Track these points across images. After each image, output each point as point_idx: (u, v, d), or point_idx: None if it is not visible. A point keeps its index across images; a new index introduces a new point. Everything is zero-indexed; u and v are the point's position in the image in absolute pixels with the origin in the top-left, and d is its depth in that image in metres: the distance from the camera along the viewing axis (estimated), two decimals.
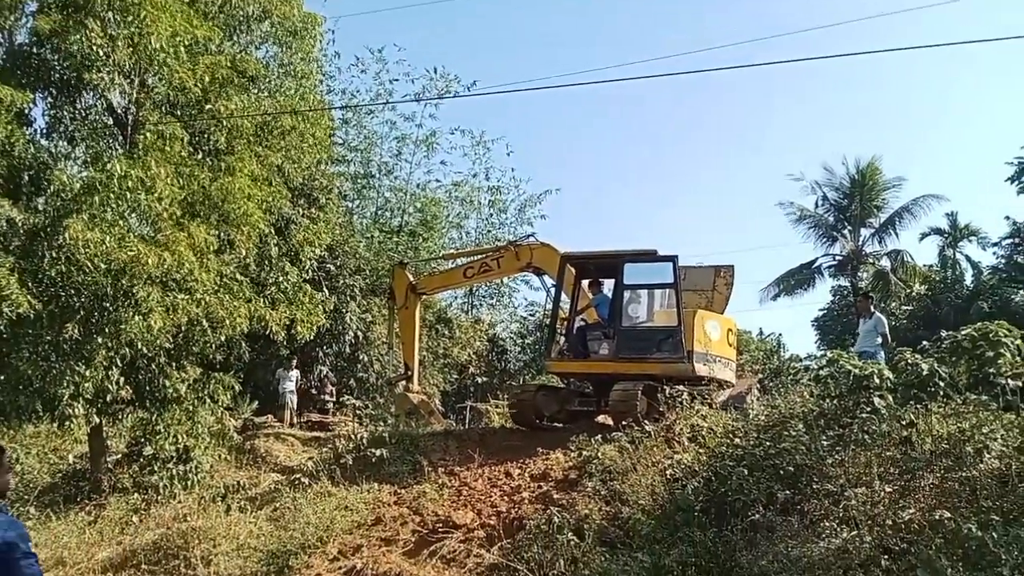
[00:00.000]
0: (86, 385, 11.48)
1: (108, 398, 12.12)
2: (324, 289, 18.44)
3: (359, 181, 25.79)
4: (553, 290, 14.75)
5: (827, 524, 8.15)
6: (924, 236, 34.25)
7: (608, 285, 14.36)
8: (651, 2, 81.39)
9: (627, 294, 13.82)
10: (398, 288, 16.49)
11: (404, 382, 16.44)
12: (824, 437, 9.18)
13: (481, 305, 28.97)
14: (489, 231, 28.26)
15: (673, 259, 13.24)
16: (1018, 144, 36.86)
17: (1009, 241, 29.90)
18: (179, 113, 13.04)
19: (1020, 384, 9.26)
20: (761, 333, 34.94)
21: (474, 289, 28.67)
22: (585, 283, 14.53)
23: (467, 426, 17.65)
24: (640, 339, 13.57)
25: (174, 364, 12.96)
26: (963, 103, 73.10)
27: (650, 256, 13.52)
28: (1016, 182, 33.68)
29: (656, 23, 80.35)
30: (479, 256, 16.74)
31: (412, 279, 16.56)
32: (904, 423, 9.10)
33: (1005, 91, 71.96)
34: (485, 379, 24.95)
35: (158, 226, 11.88)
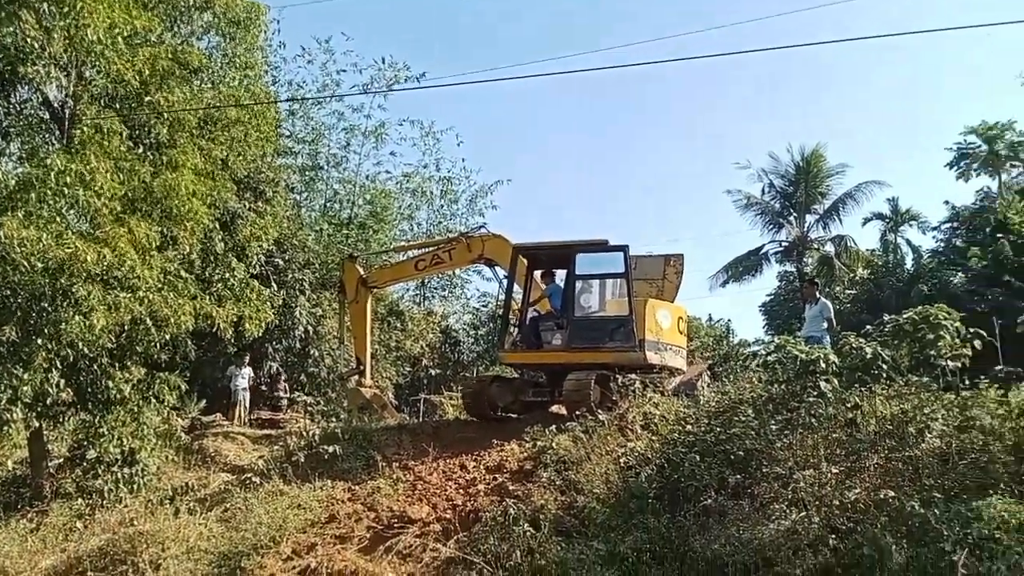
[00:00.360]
0: (25, 388, 11.10)
1: (48, 401, 11.74)
2: (272, 284, 18.12)
3: (307, 173, 25.34)
4: (506, 281, 14.73)
5: (777, 506, 8.34)
6: (867, 221, 35.20)
7: (560, 275, 14.40)
8: None
9: (579, 284, 13.86)
10: (348, 282, 16.22)
11: (356, 376, 16.21)
12: (773, 421, 9.38)
13: (433, 297, 28.82)
14: (440, 222, 28.09)
15: (624, 248, 13.32)
16: (957, 130, 37.99)
17: (948, 225, 30.82)
18: (118, 106, 12.66)
19: (959, 365, 9.59)
20: (711, 319, 35.57)
21: (426, 281, 28.47)
22: (537, 274, 14.54)
23: (421, 419, 17.55)
24: (592, 329, 13.62)
25: (117, 364, 12.60)
26: (903, 90, 74.99)
27: (601, 246, 13.59)
28: (955, 167, 34.79)
29: (611, 13, 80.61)
30: (430, 248, 16.60)
31: (362, 272, 16.27)
32: (849, 406, 9.38)
33: (944, 77, 74.00)
34: (438, 371, 24.83)
35: (97, 222, 11.53)
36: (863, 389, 9.50)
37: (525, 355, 14.15)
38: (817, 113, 73.90)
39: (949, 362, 9.73)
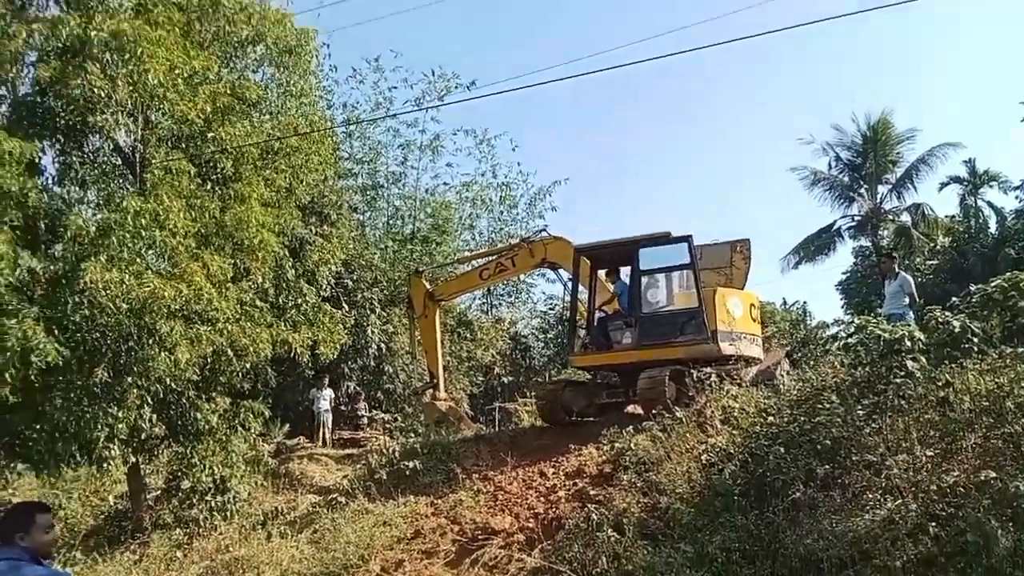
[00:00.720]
0: (120, 426, 11.60)
1: (142, 436, 12.27)
2: (343, 305, 18.47)
3: (368, 193, 25.72)
4: (570, 284, 14.67)
5: (870, 496, 8.01)
6: (943, 186, 33.54)
7: (625, 273, 14.25)
8: None
9: (644, 280, 13.68)
10: (416, 297, 16.40)
11: (431, 391, 16.29)
12: (859, 407, 9.03)
13: (500, 304, 28.84)
14: (502, 228, 28.10)
15: (688, 239, 13.08)
16: None
17: None
18: (184, 145, 13.11)
19: None
20: (785, 303, 34.52)
21: (492, 289, 28.54)
22: (602, 274, 14.42)
23: (497, 428, 17.60)
24: (662, 324, 13.39)
25: (203, 396, 13.07)
26: (968, 47, 71.77)
27: (664, 239, 13.34)
28: None
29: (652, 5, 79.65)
30: (493, 256, 16.68)
31: (429, 286, 16.43)
32: (940, 384, 8.92)
33: (1011, 31, 70.51)
34: (511, 378, 24.86)
35: (174, 260, 11.94)
36: (954, 365, 9.06)
37: (596, 357, 14.02)
38: (877, 80, 71.22)
39: None
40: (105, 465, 11.96)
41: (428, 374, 16.64)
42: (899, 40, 79.79)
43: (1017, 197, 30.78)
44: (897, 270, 13.64)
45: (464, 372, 23.07)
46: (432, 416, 15.58)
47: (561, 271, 15.20)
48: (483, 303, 28.44)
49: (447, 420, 15.35)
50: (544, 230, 16.53)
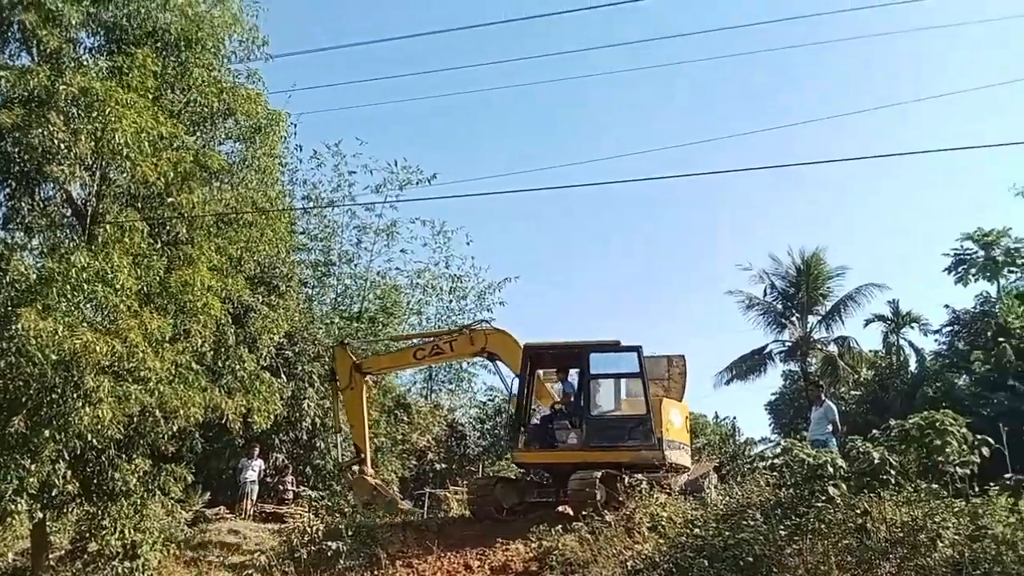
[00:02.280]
0: (31, 480, 11.02)
1: (53, 492, 11.66)
2: (282, 375, 18.18)
3: (319, 268, 25.70)
4: (510, 378, 14.81)
5: None
6: (868, 322, 35.37)
7: (572, 375, 14.53)
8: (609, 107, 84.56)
9: (592, 384, 13.99)
10: (341, 368, 16.08)
11: (357, 466, 15.85)
12: (782, 527, 9.31)
13: (440, 390, 28.74)
14: (450, 317, 28.26)
15: (638, 349, 13.61)
16: (953, 236, 38.64)
17: (949, 328, 30.99)
18: (140, 205, 13.02)
19: (968, 472, 9.58)
20: (716, 417, 35.26)
21: (433, 374, 28.52)
22: (540, 372, 14.66)
23: (426, 514, 17.30)
24: (610, 427, 13.71)
25: (124, 455, 12.55)
26: (900, 198, 76.43)
27: (614, 346, 13.83)
28: (953, 272, 35.20)
29: (612, 121, 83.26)
30: (431, 338, 16.65)
31: (354, 359, 16.20)
32: (859, 512, 9.29)
33: (940, 187, 75.52)
34: (444, 465, 24.58)
35: (113, 316, 11.69)
36: (872, 495, 9.45)
37: (540, 454, 14.03)
38: (813, 220, 75.01)
39: (958, 468, 9.73)
40: (9, 520, 11.29)
41: (354, 448, 16.23)
42: (839, 184, 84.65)
43: (936, 340, 32.57)
44: (823, 398, 14.29)
45: (397, 455, 22.72)
46: (361, 493, 15.13)
47: (499, 363, 15.30)
48: (423, 388, 28.31)
49: (375, 499, 14.93)
50: (485, 321, 16.71)
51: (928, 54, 77.90)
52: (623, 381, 14.18)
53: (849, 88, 74.69)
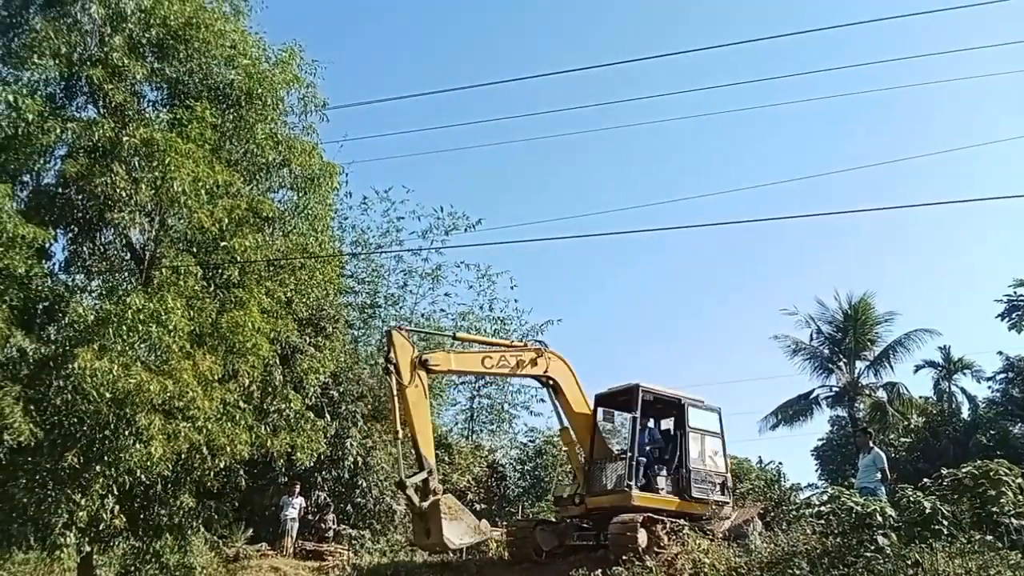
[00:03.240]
0: (80, 513, 11.35)
1: (100, 526, 11.93)
2: (326, 415, 18.39)
3: (366, 311, 26.13)
4: (558, 409, 14.81)
5: None
6: (918, 368, 34.44)
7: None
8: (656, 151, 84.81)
9: (687, 436, 14.33)
10: (401, 358, 12.78)
11: (421, 480, 12.52)
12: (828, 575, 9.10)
13: (481, 430, 28.78)
14: None
15: (719, 410, 14.85)
16: (1007, 279, 37.65)
17: (1003, 375, 30.12)
18: (195, 250, 13.46)
19: (1023, 524, 9.29)
20: (761, 462, 34.52)
21: (475, 414, 28.61)
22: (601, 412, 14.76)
23: (464, 555, 17.19)
24: (703, 481, 14.15)
25: (171, 491, 12.81)
26: (953, 242, 74.94)
27: (700, 403, 14.70)
28: (1007, 318, 34.28)
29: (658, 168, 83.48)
30: (498, 348, 15.65)
31: (416, 351, 13.34)
32: (910, 563, 9.05)
33: (996, 232, 73.88)
34: (484, 505, 24.46)
35: (165, 356, 12.01)
36: (923, 545, 9.21)
37: (648, 498, 13.60)
38: (862, 267, 73.70)
39: (1013, 520, 9.46)
40: (58, 552, 11.56)
41: (417, 460, 12.82)
42: (885, 228, 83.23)
43: (989, 387, 31.66)
44: (871, 445, 13.96)
45: None
46: (435, 518, 12.26)
47: (556, 391, 14.84)
48: (464, 428, 28.37)
49: (463, 519, 12.71)
50: (545, 344, 15.69)
51: (983, 100, 76.84)
52: (706, 437, 14.66)
53: (903, 132, 73.92)
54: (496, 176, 72.93)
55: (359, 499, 19.90)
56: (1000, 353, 30.72)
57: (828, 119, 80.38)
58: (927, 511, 9.60)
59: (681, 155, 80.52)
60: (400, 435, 12.49)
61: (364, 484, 19.95)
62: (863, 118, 79.03)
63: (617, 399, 14.74)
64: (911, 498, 9.94)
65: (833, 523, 10.06)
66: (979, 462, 10.35)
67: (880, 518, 9.60)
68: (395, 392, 12.61)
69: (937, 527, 9.47)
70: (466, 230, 26.70)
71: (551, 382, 14.82)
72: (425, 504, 12.17)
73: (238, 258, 13.20)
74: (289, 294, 14.29)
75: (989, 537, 9.12)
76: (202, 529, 13.12)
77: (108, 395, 11.23)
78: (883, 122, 74.63)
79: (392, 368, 12.63)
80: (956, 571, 8.74)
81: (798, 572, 9.34)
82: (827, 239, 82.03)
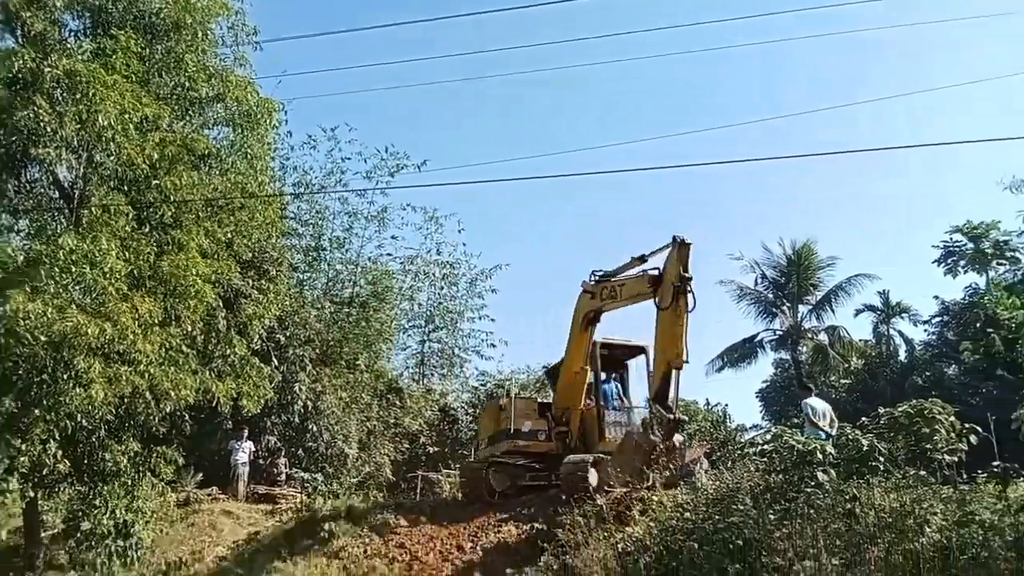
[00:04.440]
0: (22, 459, 11.09)
1: (44, 472, 11.68)
2: (273, 360, 18.17)
3: (310, 254, 25.58)
4: None
5: None
6: (859, 312, 35.57)
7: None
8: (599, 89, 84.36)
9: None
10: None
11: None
12: (771, 511, 9.37)
13: (432, 374, 28.82)
14: (441, 303, 28.35)
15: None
16: (942, 228, 38.83)
17: (939, 319, 31.20)
18: (126, 188, 12.95)
19: (955, 460, 9.66)
20: (707, 403, 35.43)
21: (425, 359, 28.63)
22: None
23: (419, 495, 17.39)
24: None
25: (115, 437, 12.57)
26: (891, 190, 76.63)
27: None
28: (943, 264, 35.38)
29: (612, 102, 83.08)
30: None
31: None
32: (848, 497, 9.37)
33: (930, 179, 75.73)
34: (436, 448, 24.67)
35: (102, 299, 11.65)
36: (861, 481, 9.53)
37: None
38: (802, 209, 75.06)
39: (946, 456, 9.81)
40: (1, 498, 11.32)
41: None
42: (832, 176, 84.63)
43: (925, 330, 32.79)
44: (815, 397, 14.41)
45: (390, 438, 22.84)
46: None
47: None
48: (414, 372, 28.36)
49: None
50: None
51: (920, 50, 77.91)
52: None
53: (845, 79, 74.67)
54: (441, 115, 72.02)
55: (310, 443, 19.88)
56: (936, 297, 31.80)
57: (785, 60, 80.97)
58: (865, 448, 9.89)
59: (630, 97, 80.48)
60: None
61: (315, 428, 19.91)
62: (814, 60, 79.72)
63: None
64: (849, 436, 10.23)
65: (776, 461, 10.32)
66: (914, 401, 10.66)
67: (820, 455, 9.88)
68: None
69: (874, 463, 9.75)
70: (407, 170, 26.17)
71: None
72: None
73: (172, 197, 12.75)
74: (229, 235, 13.89)
75: (923, 472, 9.47)
76: (149, 474, 12.89)
77: (43, 338, 10.88)
78: (825, 67, 75.46)
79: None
80: (891, 504, 9.08)
81: (741, 507, 9.60)
82: (776, 185, 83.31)
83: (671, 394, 12.48)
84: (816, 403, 13.85)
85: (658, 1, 76.21)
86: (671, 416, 12.05)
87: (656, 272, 12.88)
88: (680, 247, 12.51)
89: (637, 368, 15.68)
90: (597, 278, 14.03)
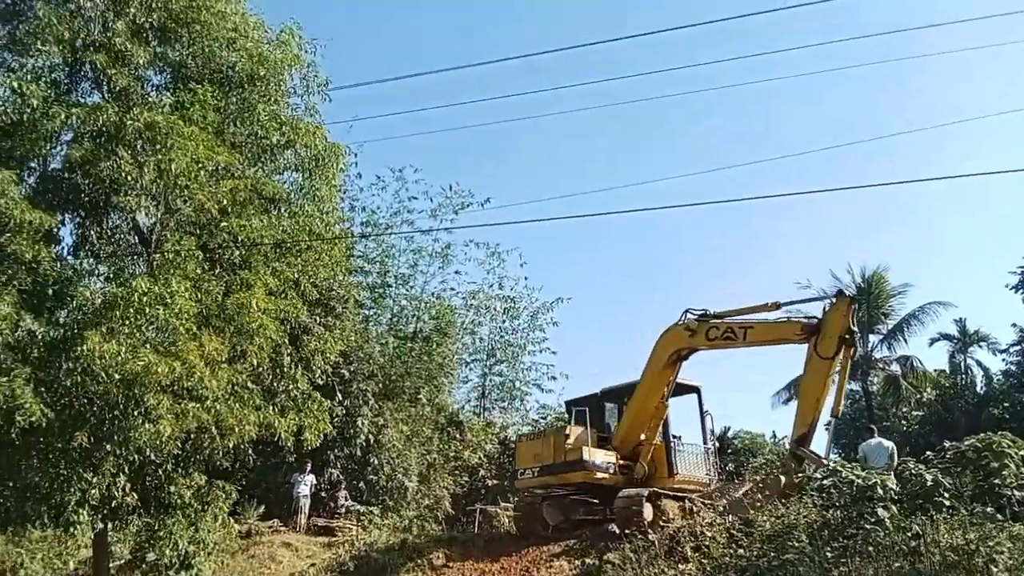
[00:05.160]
0: (92, 491, 11.58)
1: (113, 504, 12.16)
2: (337, 394, 18.53)
3: (376, 290, 26.19)
4: None
5: None
6: (933, 341, 34.17)
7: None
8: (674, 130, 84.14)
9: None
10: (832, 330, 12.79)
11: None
12: (828, 549, 9.12)
13: (493, 408, 28.94)
14: (503, 336, 28.67)
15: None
16: (1020, 252, 37.10)
17: (1018, 347, 29.76)
18: (199, 232, 13.55)
19: None
20: (774, 436, 34.54)
21: (487, 392, 28.79)
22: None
23: (477, 529, 17.40)
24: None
25: (180, 470, 13.02)
26: (965, 214, 73.97)
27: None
28: (1020, 291, 33.90)
29: (675, 148, 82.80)
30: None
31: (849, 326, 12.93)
32: (910, 535, 9.05)
33: (1009, 205, 72.81)
34: (496, 481, 24.67)
35: (172, 338, 12.13)
36: (924, 518, 9.21)
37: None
38: (877, 239, 73.00)
39: (1015, 492, 9.43)
40: (72, 529, 11.83)
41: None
42: (900, 201, 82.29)
43: (1004, 360, 31.32)
44: (878, 438, 14.05)
45: (449, 471, 22.97)
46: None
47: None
48: (475, 405, 28.53)
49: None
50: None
51: (998, 74, 75.48)
52: None
53: (919, 107, 72.89)
54: (504, 154, 72.82)
55: (371, 476, 20.12)
56: (1014, 325, 30.41)
57: (842, 93, 79.43)
58: (928, 483, 9.58)
59: (687, 129, 80.00)
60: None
61: (376, 462, 20.17)
62: (874, 92, 77.98)
63: None
64: (913, 471, 9.92)
65: (834, 496, 10.06)
66: (982, 435, 10.29)
67: (881, 491, 9.59)
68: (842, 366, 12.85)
69: (938, 499, 9.44)
70: (472, 207, 26.61)
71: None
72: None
73: (240, 239, 13.27)
74: (296, 275, 14.34)
75: (990, 509, 9.09)
76: (210, 507, 13.26)
77: (117, 376, 11.37)
78: (892, 97, 73.66)
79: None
80: (956, 542, 8.74)
81: (797, 544, 9.37)
82: (840, 212, 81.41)
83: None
84: (886, 443, 13.40)
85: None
86: (825, 462, 12.13)
87: (813, 320, 13.25)
88: (849, 302, 13.28)
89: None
90: (696, 316, 13.91)
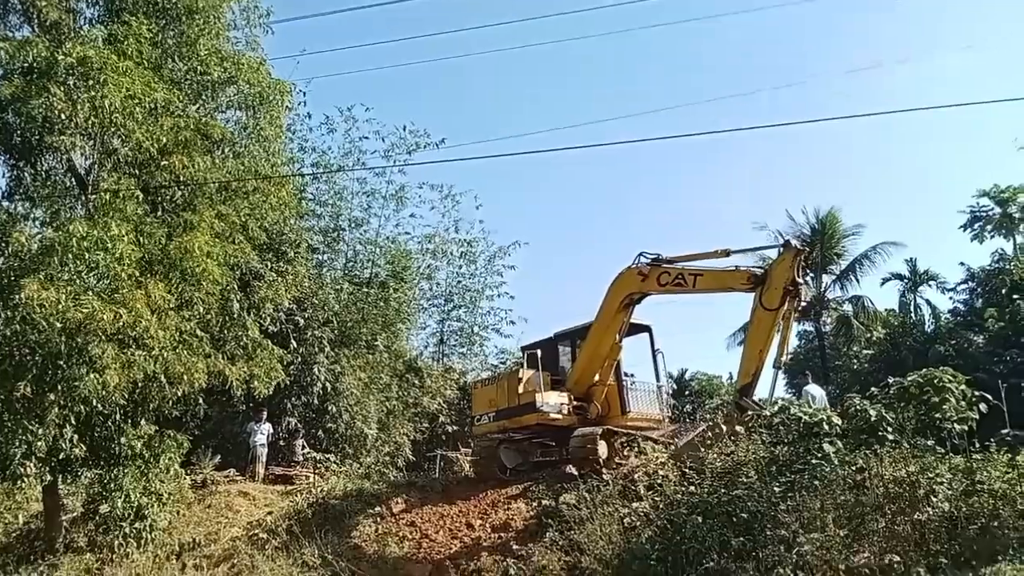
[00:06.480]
0: (38, 443, 11.27)
1: (61, 456, 11.89)
2: (292, 342, 18.27)
3: (329, 235, 25.71)
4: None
5: (782, 570, 8.28)
6: (885, 281, 34.91)
7: None
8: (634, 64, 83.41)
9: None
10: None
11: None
12: (776, 483, 9.32)
13: (451, 353, 28.91)
14: (460, 281, 28.42)
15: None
16: (969, 192, 37.93)
17: (965, 286, 30.55)
18: (138, 172, 13.07)
19: (965, 429, 9.52)
20: (731, 377, 35.23)
21: (445, 338, 28.73)
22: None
23: (438, 474, 17.50)
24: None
25: (130, 420, 12.77)
26: (915, 154, 75.16)
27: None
28: (969, 229, 34.62)
29: (635, 80, 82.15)
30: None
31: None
32: (855, 468, 9.28)
33: (956, 143, 74.08)
34: (456, 427, 24.78)
35: (115, 285, 11.79)
36: (868, 452, 9.44)
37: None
38: (829, 178, 74.00)
39: (955, 425, 9.68)
40: (20, 482, 11.59)
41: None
42: (855, 145, 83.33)
43: (951, 298, 32.16)
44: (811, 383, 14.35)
45: (409, 418, 22.97)
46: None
47: None
48: (434, 351, 28.46)
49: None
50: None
51: (945, 10, 75.98)
52: None
53: (865, 42, 73.15)
54: (458, 92, 71.68)
55: (329, 424, 19.98)
56: (962, 264, 31.14)
57: (792, 28, 79.40)
58: (872, 418, 9.79)
59: (648, 66, 79.47)
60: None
61: (334, 409, 19.99)
62: (824, 28, 78.07)
63: None
64: (857, 406, 10.13)
65: (782, 432, 10.25)
66: (924, 371, 10.50)
67: (826, 426, 9.80)
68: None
69: (882, 434, 9.65)
70: (427, 147, 26.05)
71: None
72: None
73: (182, 179, 12.84)
74: (244, 218, 13.96)
75: (931, 442, 9.34)
76: (162, 457, 13.06)
77: (59, 325, 11.05)
78: (836, 33, 73.88)
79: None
80: (899, 475, 8.98)
81: (746, 480, 9.56)
82: (794, 151, 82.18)
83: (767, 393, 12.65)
84: (815, 390, 13.77)
85: None
86: (765, 412, 11.71)
87: (759, 271, 12.94)
88: (795, 253, 12.68)
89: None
90: (649, 261, 13.74)
